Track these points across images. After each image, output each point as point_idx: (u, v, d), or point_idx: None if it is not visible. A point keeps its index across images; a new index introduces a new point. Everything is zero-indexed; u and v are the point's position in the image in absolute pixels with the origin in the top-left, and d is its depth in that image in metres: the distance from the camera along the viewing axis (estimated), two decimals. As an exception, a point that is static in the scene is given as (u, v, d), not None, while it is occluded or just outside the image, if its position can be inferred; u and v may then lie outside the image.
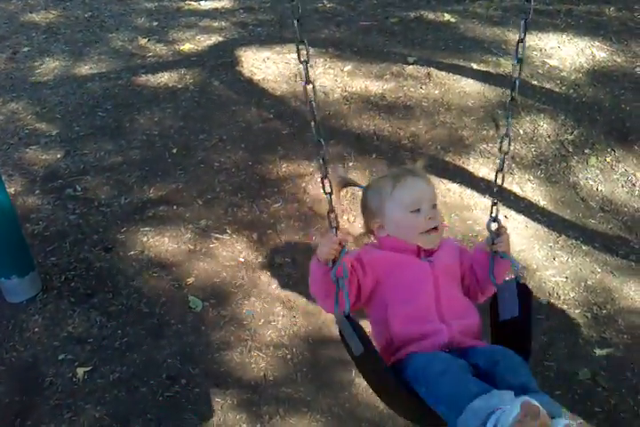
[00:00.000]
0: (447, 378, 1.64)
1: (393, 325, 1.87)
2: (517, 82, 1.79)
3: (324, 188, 1.76)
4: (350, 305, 1.70)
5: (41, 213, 3.60)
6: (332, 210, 1.75)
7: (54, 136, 4.17)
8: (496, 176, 1.90)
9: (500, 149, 1.89)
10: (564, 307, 3.30)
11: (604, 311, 3.28)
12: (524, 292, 1.90)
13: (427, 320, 1.87)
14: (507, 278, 1.98)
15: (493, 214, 1.93)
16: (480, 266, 1.97)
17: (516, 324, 1.89)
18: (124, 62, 4.95)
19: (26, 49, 5.17)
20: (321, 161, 1.75)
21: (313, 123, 1.72)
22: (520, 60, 1.77)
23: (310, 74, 1.69)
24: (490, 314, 1.98)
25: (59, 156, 4.01)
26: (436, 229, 1.94)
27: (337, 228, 1.75)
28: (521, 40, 1.73)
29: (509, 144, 1.87)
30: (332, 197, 1.76)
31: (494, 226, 1.92)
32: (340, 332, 1.72)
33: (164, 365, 2.93)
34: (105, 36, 5.36)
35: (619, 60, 4.73)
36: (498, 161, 1.78)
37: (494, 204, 1.93)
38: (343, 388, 2.92)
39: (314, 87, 1.70)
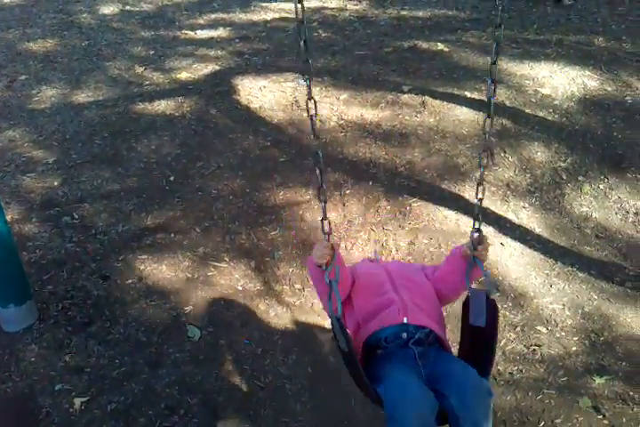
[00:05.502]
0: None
1: (355, 300, 2.12)
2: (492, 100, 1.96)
3: (319, 196, 1.89)
4: (341, 305, 1.86)
5: (38, 240, 3.59)
6: (325, 217, 1.87)
7: (51, 164, 4.18)
8: (477, 189, 2.01)
9: (479, 163, 1.99)
10: (562, 334, 3.30)
11: (602, 338, 3.28)
12: (492, 306, 1.99)
13: (381, 292, 2.13)
14: (475, 287, 2.06)
15: (477, 226, 2.05)
16: (455, 267, 2.10)
17: (482, 335, 2.01)
18: (121, 90, 4.99)
19: (23, 77, 5.21)
20: (317, 171, 1.88)
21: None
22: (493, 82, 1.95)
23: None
24: (462, 316, 2.08)
25: (56, 183, 4.01)
26: None
27: (329, 234, 1.88)
28: (493, 62, 1.92)
29: (488, 158, 1.97)
30: (325, 205, 1.90)
31: (476, 235, 2.02)
32: (332, 327, 1.87)
33: (162, 395, 2.89)
34: (102, 64, 5.42)
35: (609, 88, 4.81)
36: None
37: (477, 215, 2.03)
38: (342, 419, 2.89)
39: (312, 117, 1.86)
